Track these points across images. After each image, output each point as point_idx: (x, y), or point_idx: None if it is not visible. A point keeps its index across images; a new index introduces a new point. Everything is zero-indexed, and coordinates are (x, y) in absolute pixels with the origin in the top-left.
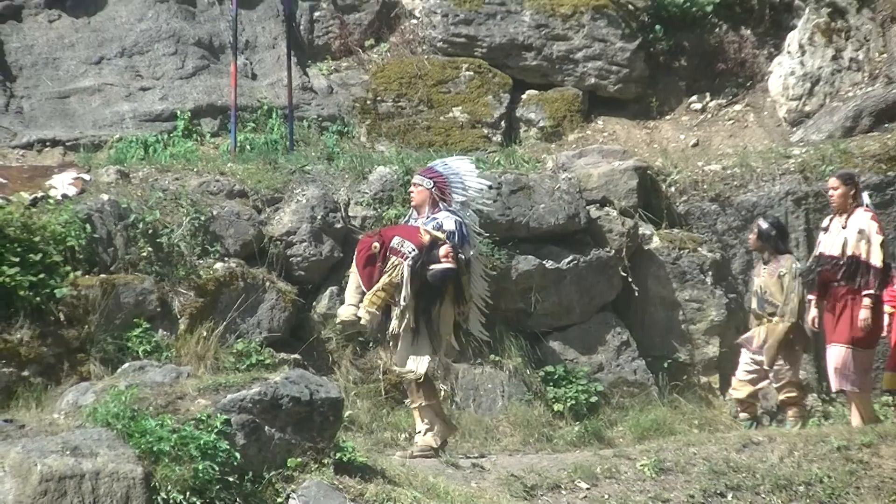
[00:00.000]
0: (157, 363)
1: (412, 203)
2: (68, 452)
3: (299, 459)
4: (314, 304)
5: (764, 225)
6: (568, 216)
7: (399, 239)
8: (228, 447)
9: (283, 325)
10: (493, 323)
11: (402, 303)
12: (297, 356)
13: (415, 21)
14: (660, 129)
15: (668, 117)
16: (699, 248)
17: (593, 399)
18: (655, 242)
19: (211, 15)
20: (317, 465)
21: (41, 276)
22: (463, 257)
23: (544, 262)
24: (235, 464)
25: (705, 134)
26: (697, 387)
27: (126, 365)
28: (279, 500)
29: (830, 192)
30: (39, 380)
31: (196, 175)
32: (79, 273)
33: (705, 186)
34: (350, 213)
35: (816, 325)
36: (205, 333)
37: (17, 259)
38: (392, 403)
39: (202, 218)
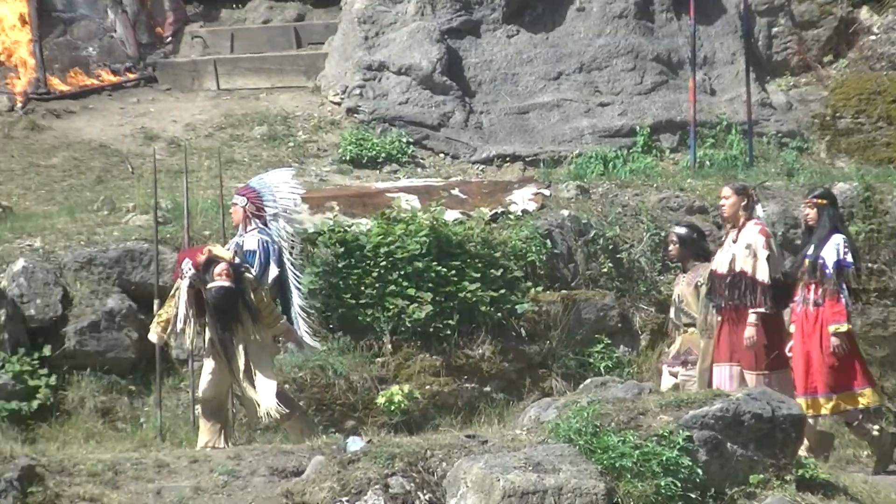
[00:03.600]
0: (619, 379)
1: (233, 223)
2: (531, 468)
3: (761, 476)
4: None
5: (682, 231)
6: None
7: (187, 260)
8: (690, 463)
9: None
10: None
11: (180, 324)
12: None
13: (873, 38)
14: None
15: None
16: None
17: None
18: None
19: (669, 30)
20: (779, 482)
21: (502, 291)
22: (252, 276)
23: None
24: (697, 480)
25: None
26: None
27: (588, 381)
28: None
29: (721, 202)
30: (501, 395)
31: (656, 191)
32: (539, 288)
33: None
34: None
35: None
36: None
37: (478, 275)
38: None
39: (662, 233)
